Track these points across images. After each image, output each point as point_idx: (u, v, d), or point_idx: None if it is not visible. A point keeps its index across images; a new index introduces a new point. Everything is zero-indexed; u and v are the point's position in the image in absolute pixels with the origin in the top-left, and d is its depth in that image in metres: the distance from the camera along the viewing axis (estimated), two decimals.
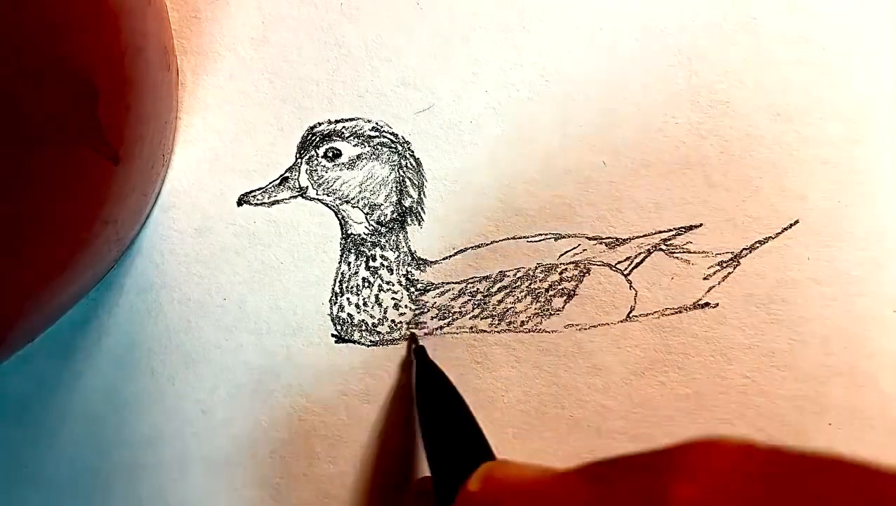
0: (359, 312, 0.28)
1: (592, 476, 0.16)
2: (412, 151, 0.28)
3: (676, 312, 0.28)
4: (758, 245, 0.28)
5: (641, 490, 0.15)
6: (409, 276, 0.28)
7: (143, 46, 0.22)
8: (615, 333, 0.28)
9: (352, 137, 0.28)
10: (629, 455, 0.16)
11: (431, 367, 0.27)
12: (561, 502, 0.17)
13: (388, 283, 0.28)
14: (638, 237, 0.28)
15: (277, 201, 0.28)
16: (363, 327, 0.28)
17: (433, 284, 0.28)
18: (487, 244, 0.28)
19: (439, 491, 0.23)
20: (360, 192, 0.28)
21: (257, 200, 0.28)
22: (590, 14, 0.28)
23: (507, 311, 0.28)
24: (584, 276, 0.28)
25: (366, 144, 0.28)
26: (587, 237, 0.28)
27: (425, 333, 0.28)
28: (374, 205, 0.28)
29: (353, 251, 0.28)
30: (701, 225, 0.28)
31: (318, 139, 0.28)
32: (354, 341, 0.28)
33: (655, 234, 0.28)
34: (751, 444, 0.14)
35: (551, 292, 0.28)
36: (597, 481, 0.16)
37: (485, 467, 0.21)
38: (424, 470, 0.28)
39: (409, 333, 0.28)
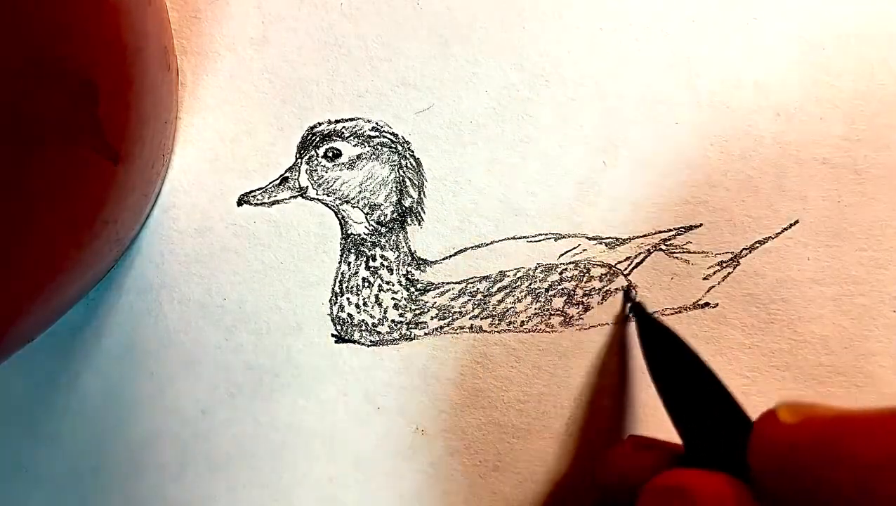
0: (359, 312, 0.28)
1: None
2: (412, 151, 0.28)
3: (676, 312, 0.28)
4: (758, 245, 0.28)
5: None
6: (409, 276, 0.28)
7: (143, 46, 0.22)
8: (615, 333, 0.28)
9: (352, 137, 0.28)
10: None
11: (655, 322, 0.26)
12: None
13: (388, 283, 0.28)
14: (638, 237, 0.28)
15: (277, 201, 0.28)
16: (363, 327, 0.28)
17: (433, 284, 0.28)
18: (487, 244, 0.28)
19: (691, 438, 0.22)
20: (360, 192, 0.28)
21: (257, 200, 0.28)
22: (590, 14, 0.28)
23: (507, 311, 0.28)
24: (584, 276, 0.28)
25: (366, 144, 0.28)
26: (587, 237, 0.28)
27: (425, 334, 0.28)
28: (374, 205, 0.28)
29: (353, 251, 0.28)
30: (701, 225, 0.28)
31: (318, 139, 0.28)
32: (354, 341, 0.28)
33: (655, 234, 0.28)
34: None
35: (551, 292, 0.28)
36: None
37: (787, 401, 0.19)
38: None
39: (623, 288, 0.28)
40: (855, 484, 0.16)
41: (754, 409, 0.28)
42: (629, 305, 0.28)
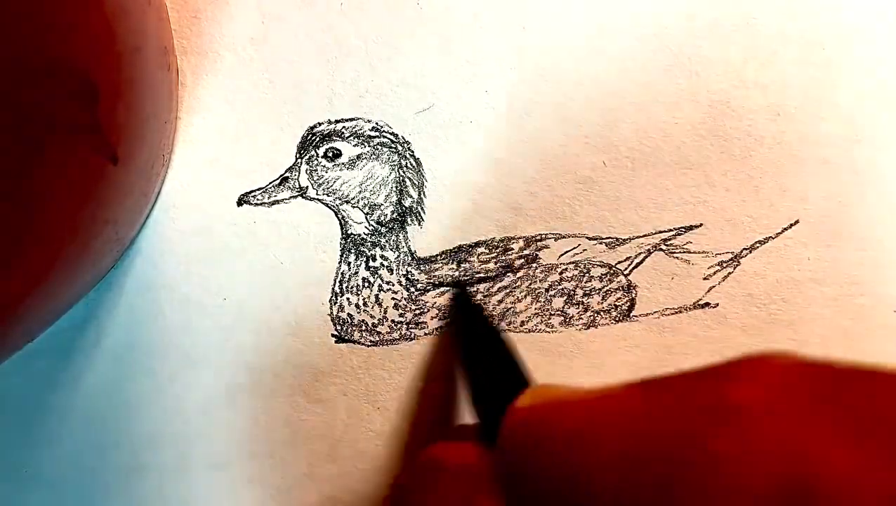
0: (359, 312, 0.28)
1: (647, 387, 0.16)
2: (412, 151, 0.28)
3: (676, 312, 0.28)
4: (758, 245, 0.28)
5: (701, 394, 0.14)
6: (409, 276, 0.28)
7: (142, 46, 0.22)
8: (615, 333, 0.28)
9: (352, 137, 0.28)
10: (683, 371, 0.15)
11: (474, 307, 0.27)
12: (617, 412, 0.16)
13: (388, 283, 0.28)
14: (638, 237, 0.28)
15: (277, 201, 0.28)
16: (363, 327, 0.28)
17: (433, 284, 0.28)
18: (487, 243, 0.28)
19: (484, 418, 0.23)
20: (360, 192, 0.28)
21: (257, 200, 0.28)
22: (590, 14, 0.28)
23: (507, 311, 0.28)
24: (584, 276, 0.28)
25: (366, 144, 0.28)
26: (587, 237, 0.28)
27: (425, 334, 0.28)
28: (374, 205, 0.28)
29: (353, 251, 0.28)
30: (701, 225, 0.28)
31: (318, 139, 0.28)
32: (354, 341, 0.28)
33: (655, 234, 0.28)
34: (807, 358, 0.14)
35: (551, 292, 0.28)
36: (653, 390, 0.15)
37: (533, 387, 0.21)
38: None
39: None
40: (552, 467, 0.16)
41: None
42: (456, 292, 0.28)
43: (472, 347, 0.25)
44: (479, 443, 0.21)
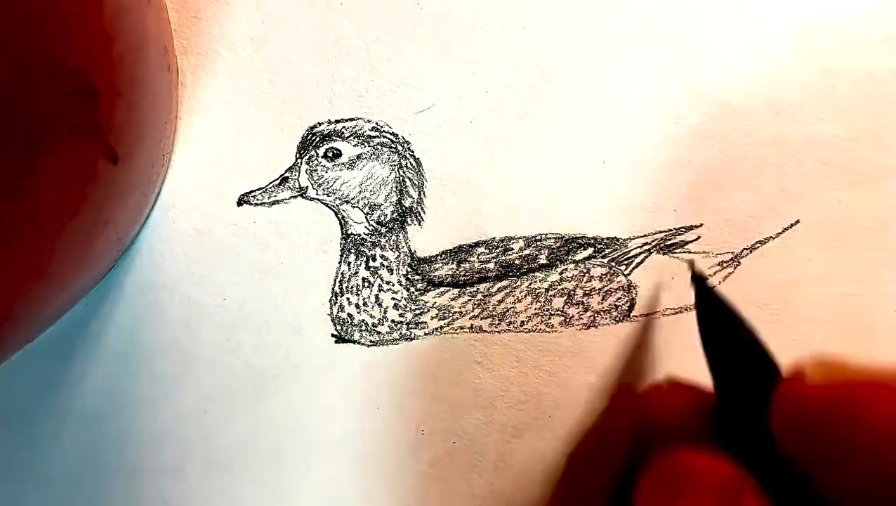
0: (359, 313, 0.28)
1: None
2: (412, 151, 0.28)
3: (676, 313, 0.28)
4: (758, 245, 0.28)
5: None
6: (409, 276, 0.28)
7: (142, 46, 0.22)
8: (615, 333, 0.28)
9: (352, 137, 0.28)
10: None
11: (715, 296, 0.26)
12: None
13: (388, 283, 0.28)
14: (638, 237, 0.28)
15: (277, 201, 0.28)
16: (363, 327, 0.28)
17: (433, 284, 0.28)
18: (487, 243, 0.28)
19: (727, 391, 0.22)
20: (360, 192, 0.28)
21: (257, 200, 0.28)
22: (590, 14, 0.28)
23: (507, 311, 0.28)
24: (584, 276, 0.28)
25: (366, 144, 0.28)
26: (587, 237, 0.28)
27: (425, 334, 0.28)
28: (374, 205, 0.28)
29: (353, 251, 0.28)
30: (701, 225, 0.28)
31: (318, 139, 0.28)
32: (354, 341, 0.28)
33: (655, 234, 0.28)
34: None
35: (551, 292, 0.28)
36: None
37: (817, 360, 0.19)
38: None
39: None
40: (874, 453, 0.15)
41: None
42: (692, 276, 0.27)
43: (715, 330, 0.24)
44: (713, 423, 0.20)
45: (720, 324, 0.24)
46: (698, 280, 0.26)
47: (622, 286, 0.28)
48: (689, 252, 0.28)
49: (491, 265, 0.28)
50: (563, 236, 0.28)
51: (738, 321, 0.24)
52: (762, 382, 0.21)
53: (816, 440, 0.17)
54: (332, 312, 0.28)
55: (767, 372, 0.22)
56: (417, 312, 0.28)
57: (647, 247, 0.28)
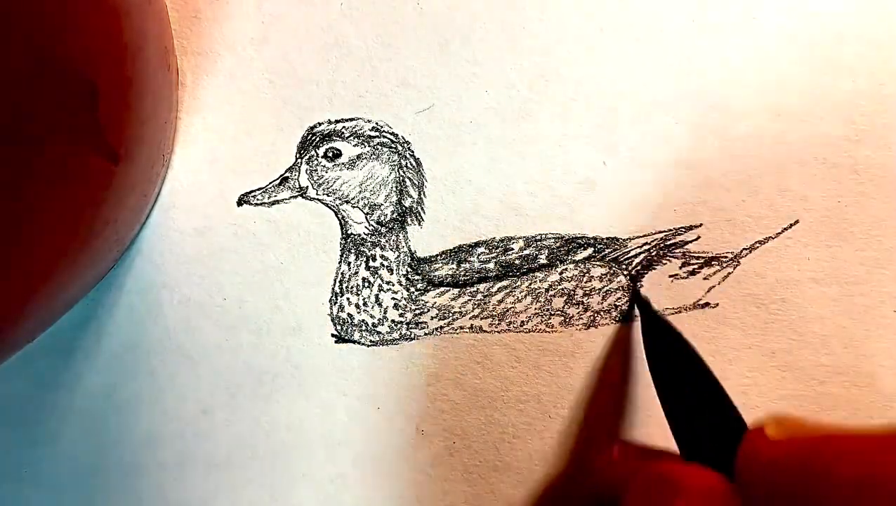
0: (359, 312, 0.28)
1: None
2: (412, 151, 0.28)
3: (676, 312, 0.28)
4: (758, 245, 0.28)
5: None
6: (409, 276, 0.28)
7: (143, 46, 0.22)
8: (616, 333, 0.28)
9: (352, 137, 0.28)
10: None
11: (660, 320, 0.26)
12: None
13: (388, 283, 0.28)
14: (638, 237, 0.28)
15: (277, 201, 0.28)
16: (363, 327, 0.28)
17: (433, 284, 0.28)
18: (487, 243, 0.28)
19: (688, 441, 0.22)
20: (360, 192, 0.28)
21: (257, 200, 0.28)
22: (590, 14, 0.28)
23: (507, 311, 0.28)
24: (584, 276, 0.28)
25: (366, 144, 0.28)
26: (587, 237, 0.28)
27: (425, 334, 0.28)
28: (374, 205, 0.28)
29: (353, 251, 0.28)
30: (701, 225, 0.28)
31: (318, 139, 0.28)
32: (354, 341, 0.28)
33: (655, 234, 0.28)
34: None
35: (551, 292, 0.28)
36: None
37: (777, 417, 0.19)
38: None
39: (629, 285, 0.28)
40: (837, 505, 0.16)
41: (753, 410, 0.28)
42: (636, 301, 0.27)
43: (668, 362, 0.24)
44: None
45: (677, 363, 0.24)
46: (650, 315, 0.26)
47: (622, 286, 0.28)
48: (690, 252, 0.28)
49: (491, 265, 0.28)
50: (563, 236, 0.28)
51: (697, 362, 0.23)
52: (725, 432, 0.21)
53: (781, 495, 0.17)
54: (332, 312, 0.28)
55: (729, 420, 0.22)
56: (417, 312, 0.28)
57: (647, 247, 0.28)
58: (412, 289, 0.28)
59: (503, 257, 0.28)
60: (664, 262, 0.28)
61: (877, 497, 0.15)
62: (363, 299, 0.28)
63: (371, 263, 0.28)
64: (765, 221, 0.28)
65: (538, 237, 0.28)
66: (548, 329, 0.28)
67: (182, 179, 0.28)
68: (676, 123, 0.28)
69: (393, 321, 0.28)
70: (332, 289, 0.28)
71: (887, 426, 0.17)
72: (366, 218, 0.28)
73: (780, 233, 0.28)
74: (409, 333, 0.28)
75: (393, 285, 0.28)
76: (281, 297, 0.28)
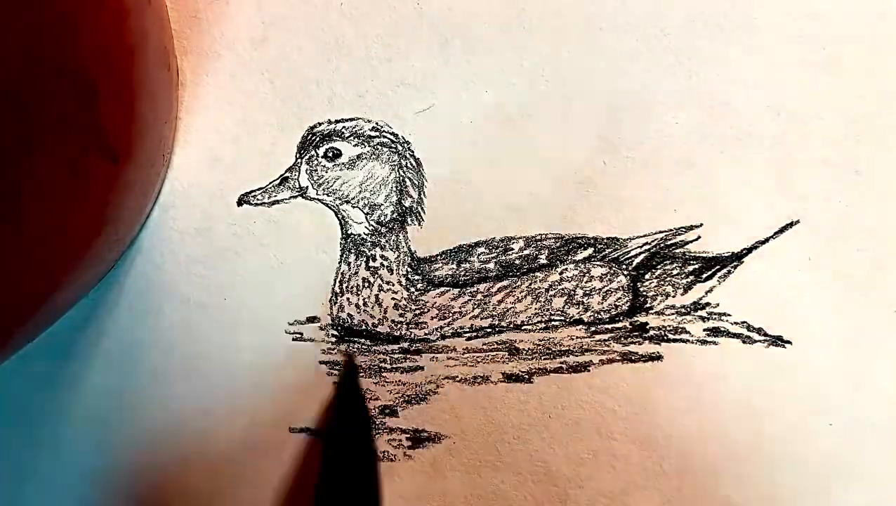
0: (359, 313, 0.28)
1: None
2: (412, 151, 0.28)
3: (676, 313, 0.28)
4: (758, 245, 0.28)
5: None
6: (409, 276, 0.28)
7: (142, 46, 0.22)
8: (615, 333, 0.28)
9: (352, 137, 0.28)
10: None
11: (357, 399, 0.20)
12: None
13: (388, 283, 0.28)
14: (638, 237, 0.28)
15: (277, 201, 0.28)
16: (363, 327, 0.28)
17: (433, 284, 0.28)
18: (487, 243, 0.28)
19: None
20: (360, 192, 0.28)
21: (257, 200, 0.28)
22: (590, 14, 0.28)
23: (507, 311, 0.28)
24: (584, 276, 0.28)
25: (366, 144, 0.28)
26: (587, 237, 0.28)
27: (425, 334, 0.28)
28: (374, 205, 0.28)
29: (353, 251, 0.28)
30: (701, 225, 0.28)
31: (318, 139, 0.28)
32: (355, 341, 0.28)
33: (655, 234, 0.28)
34: None
35: (551, 292, 0.28)
36: None
37: None
38: None
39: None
40: None
41: (755, 410, 0.28)
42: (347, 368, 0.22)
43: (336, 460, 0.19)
44: None
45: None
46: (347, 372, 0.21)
47: (622, 286, 0.28)
48: (689, 252, 0.28)
49: (491, 265, 0.28)
50: (563, 236, 0.28)
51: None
52: None
53: None
54: (332, 312, 0.28)
55: None
56: (417, 312, 0.28)
57: (647, 247, 0.28)
58: (412, 289, 0.28)
59: (503, 257, 0.28)
60: (664, 262, 0.28)
61: None
62: (363, 299, 0.28)
63: (371, 263, 0.28)
64: (765, 221, 0.28)
65: (538, 237, 0.28)
66: (548, 329, 0.28)
67: (182, 179, 0.28)
68: (676, 123, 0.28)
69: (393, 321, 0.28)
70: (332, 289, 0.28)
71: None
72: (366, 218, 0.28)
73: (780, 233, 0.28)
74: (409, 333, 0.28)
75: (393, 285, 0.28)
76: (281, 297, 0.28)
